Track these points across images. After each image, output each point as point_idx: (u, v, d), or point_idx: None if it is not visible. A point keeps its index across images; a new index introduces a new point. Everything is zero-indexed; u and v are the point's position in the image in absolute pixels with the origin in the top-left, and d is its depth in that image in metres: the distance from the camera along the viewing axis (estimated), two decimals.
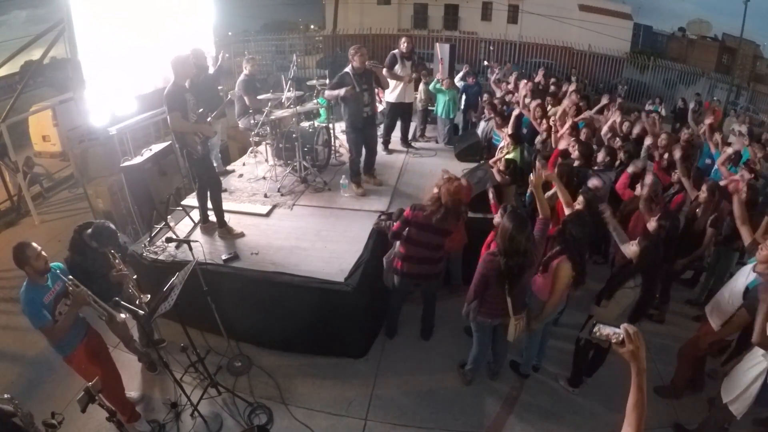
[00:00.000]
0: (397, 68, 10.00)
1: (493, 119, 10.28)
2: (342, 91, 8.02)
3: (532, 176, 5.64)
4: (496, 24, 32.00)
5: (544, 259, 5.55)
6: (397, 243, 6.28)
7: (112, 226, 5.72)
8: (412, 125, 11.69)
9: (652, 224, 5.94)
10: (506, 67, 18.56)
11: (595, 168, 8.01)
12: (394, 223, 6.18)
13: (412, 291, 6.77)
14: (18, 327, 7.04)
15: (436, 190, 5.90)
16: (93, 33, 8.26)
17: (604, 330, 2.74)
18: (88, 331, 5.44)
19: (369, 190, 8.84)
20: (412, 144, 11.36)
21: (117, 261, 5.75)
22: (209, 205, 7.42)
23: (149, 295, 5.77)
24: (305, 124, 9.82)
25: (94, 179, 9.95)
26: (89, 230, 5.64)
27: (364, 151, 8.80)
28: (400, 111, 10.61)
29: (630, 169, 7.68)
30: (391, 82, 9.96)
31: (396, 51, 10.11)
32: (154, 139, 11.35)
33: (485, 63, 19.68)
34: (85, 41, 8.14)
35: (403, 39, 10.17)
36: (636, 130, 9.85)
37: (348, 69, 8.21)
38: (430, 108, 12.58)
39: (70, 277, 5.03)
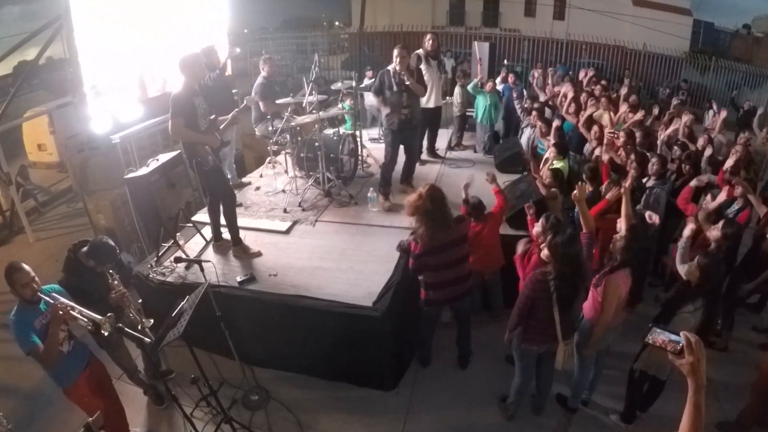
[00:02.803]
0: (423, 69, 9.85)
1: (537, 126, 10.19)
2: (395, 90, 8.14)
3: (575, 192, 5.67)
4: (541, 20, 31.53)
5: (596, 276, 5.51)
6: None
7: (111, 242, 5.70)
8: (448, 132, 11.76)
9: (714, 233, 5.90)
10: (550, 73, 18.44)
11: (647, 180, 7.96)
12: (410, 259, 6.19)
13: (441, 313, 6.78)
14: (11, 356, 6.94)
15: (411, 210, 5.89)
16: (94, 31, 8.26)
17: (660, 337, 2.69)
18: (90, 360, 5.41)
19: (400, 203, 8.65)
20: (448, 152, 11.38)
21: (115, 282, 5.70)
22: (222, 221, 7.44)
23: (152, 320, 5.78)
24: (329, 131, 9.89)
25: (94, 193, 10.03)
26: (85, 248, 5.62)
27: (404, 158, 8.93)
28: (428, 117, 10.53)
29: (693, 183, 7.55)
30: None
31: (420, 50, 10.04)
32: (161, 148, 11.32)
33: (505, 63, 19.53)
34: (84, 40, 8.13)
35: (428, 36, 10.12)
36: (700, 142, 9.61)
37: (390, 68, 8.32)
38: (468, 113, 12.51)
39: (55, 294, 5.01)
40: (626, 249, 5.34)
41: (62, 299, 4.94)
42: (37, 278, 4.90)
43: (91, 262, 5.60)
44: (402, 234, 7.67)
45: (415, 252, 5.92)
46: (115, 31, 8.63)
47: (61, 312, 4.80)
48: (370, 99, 8.54)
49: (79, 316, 4.87)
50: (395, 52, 8.23)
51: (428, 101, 10.26)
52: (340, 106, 11.01)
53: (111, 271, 5.73)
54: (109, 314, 4.75)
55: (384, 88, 8.38)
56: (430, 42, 9.98)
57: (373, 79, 9.79)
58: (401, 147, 8.85)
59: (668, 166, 8.25)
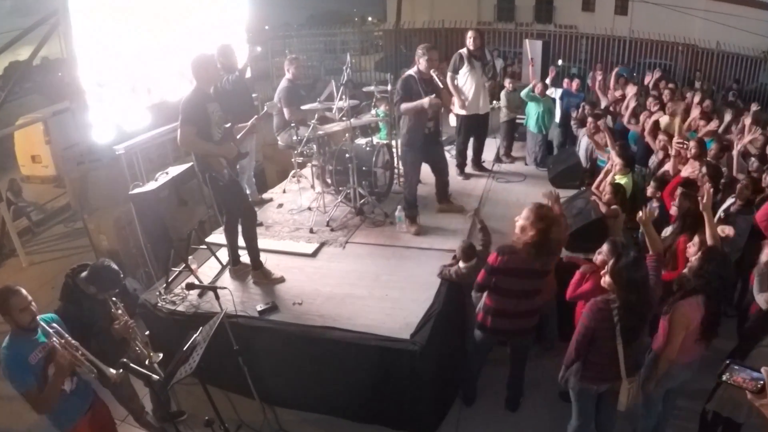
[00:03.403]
0: (464, 72, 10.02)
1: (597, 135, 10.14)
2: (425, 101, 7.99)
3: (641, 213, 5.65)
4: (601, 16, 30.91)
5: (666, 304, 5.44)
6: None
7: (114, 266, 5.73)
8: (495, 141, 11.75)
9: None
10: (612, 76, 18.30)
11: (732, 204, 7.82)
12: (456, 267, 6.23)
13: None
14: (2, 394, 6.78)
15: (522, 222, 5.71)
16: (95, 28, 8.20)
17: (739, 375, 2.70)
18: (93, 401, 5.39)
19: (442, 222, 8.81)
20: (495, 165, 11.37)
21: (119, 311, 5.63)
22: (240, 242, 7.46)
23: (161, 354, 5.72)
24: (361, 141, 9.85)
25: (96, 210, 10.09)
26: (85, 273, 5.64)
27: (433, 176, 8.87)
28: (474, 125, 10.54)
29: None
30: (462, 88, 10.03)
31: (462, 50, 10.07)
32: (171, 161, 11.37)
33: (559, 64, 19.38)
34: (84, 38, 8.08)
35: (470, 33, 10.13)
36: None
37: (413, 71, 8.24)
38: (518, 120, 12.42)
39: (55, 325, 4.96)
40: (699, 273, 5.26)
41: (67, 337, 4.94)
42: (34, 303, 4.82)
43: (91, 288, 5.61)
44: (444, 257, 7.64)
45: (493, 264, 5.83)
46: (120, 27, 8.59)
47: (67, 359, 4.78)
48: (403, 107, 8.45)
49: (86, 362, 4.87)
50: (419, 52, 8.22)
51: (473, 107, 10.26)
52: (373, 112, 11.06)
53: (114, 299, 5.68)
54: (120, 368, 4.79)
55: (411, 96, 8.22)
56: (473, 40, 9.96)
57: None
58: (426, 165, 8.83)
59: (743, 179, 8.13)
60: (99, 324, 5.54)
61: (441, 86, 8.28)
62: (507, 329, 6.23)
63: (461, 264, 6.84)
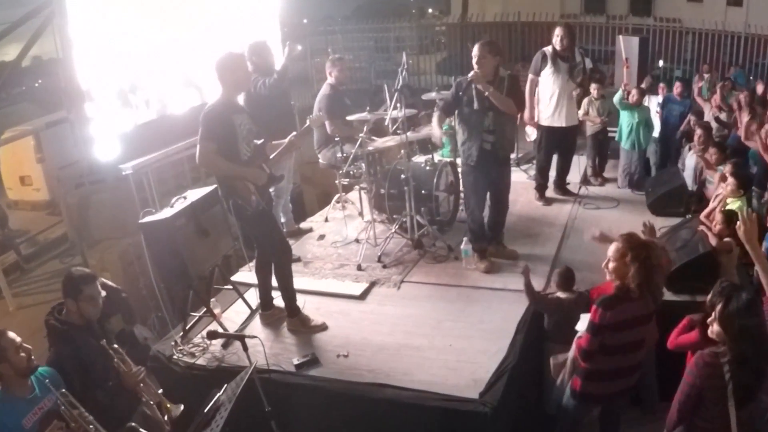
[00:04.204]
0: (547, 74, 9.98)
1: (705, 152, 10.01)
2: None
3: (740, 225, 5.36)
4: (711, 7, 29.77)
5: None
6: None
7: (89, 271, 5.76)
8: (582, 160, 11.70)
9: None
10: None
11: None
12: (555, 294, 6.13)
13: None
14: None
15: (614, 263, 5.64)
16: (96, 21, 8.24)
17: None
18: None
19: (507, 261, 8.72)
20: (582, 188, 11.23)
21: (122, 361, 5.56)
22: (273, 282, 7.45)
23: (181, 406, 5.73)
24: (420, 159, 9.87)
25: (98, 243, 10.18)
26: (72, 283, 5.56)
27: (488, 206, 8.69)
28: (557, 140, 10.48)
29: None
30: (544, 94, 10.02)
31: (547, 48, 10.04)
32: (190, 182, 11.42)
33: (660, 64, 19.04)
34: (84, 34, 8.11)
35: (558, 30, 10.02)
36: None
37: (471, 75, 8.07)
38: (611, 134, 12.26)
39: (63, 391, 4.88)
40: None
41: (69, 396, 4.88)
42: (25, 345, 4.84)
43: (73, 315, 5.49)
44: (519, 299, 7.48)
45: (598, 323, 5.65)
46: (127, 21, 8.64)
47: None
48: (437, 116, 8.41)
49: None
50: (474, 50, 8.10)
51: (557, 118, 10.20)
52: (434, 124, 10.90)
53: (116, 346, 5.64)
54: (130, 425, 4.86)
55: (459, 104, 8.25)
56: (560, 37, 9.87)
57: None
58: (486, 191, 8.62)
59: None
60: (101, 362, 5.48)
61: (485, 93, 8.01)
62: (610, 393, 6.10)
63: (561, 294, 6.89)
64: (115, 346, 5.63)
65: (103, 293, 5.66)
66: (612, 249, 5.65)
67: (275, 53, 9.51)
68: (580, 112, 11.77)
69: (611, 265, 5.63)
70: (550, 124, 10.24)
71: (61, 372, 5.17)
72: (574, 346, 6.08)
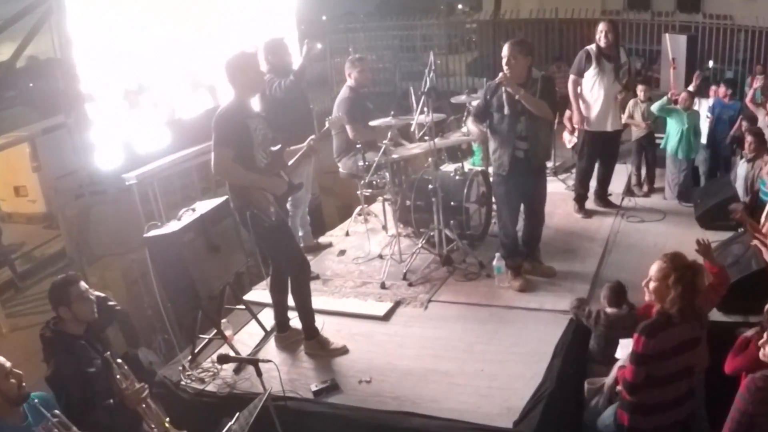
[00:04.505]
0: (590, 75, 9.92)
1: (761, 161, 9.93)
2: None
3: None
4: (765, 3, 28.55)
5: None
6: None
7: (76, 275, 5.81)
8: (626, 168, 11.69)
9: None
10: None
11: None
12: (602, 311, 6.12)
13: None
14: None
15: (655, 282, 5.60)
16: (97, 17, 8.18)
17: None
18: None
19: (556, 273, 8.70)
20: (626, 199, 11.18)
21: (120, 376, 5.49)
22: (290, 302, 7.42)
23: None
24: (448, 167, 9.88)
25: (99, 259, 10.19)
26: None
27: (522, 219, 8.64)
28: (600, 146, 10.42)
29: None
30: (588, 96, 9.95)
31: (591, 47, 9.99)
32: (199, 193, 11.38)
33: (710, 65, 18.84)
34: (84, 31, 8.04)
35: (601, 26, 9.95)
36: None
37: (500, 77, 7.93)
38: (657, 140, 12.26)
39: (56, 412, 4.83)
40: None
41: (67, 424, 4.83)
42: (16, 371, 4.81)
43: (70, 324, 5.55)
44: (556, 320, 7.56)
45: (641, 352, 5.58)
46: (131, 18, 8.60)
47: None
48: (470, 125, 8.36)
49: None
50: (504, 50, 7.95)
51: (600, 122, 10.11)
52: (464, 129, 10.56)
53: (119, 360, 5.58)
54: None
55: (490, 109, 8.18)
56: (604, 35, 9.79)
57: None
58: (519, 203, 8.57)
59: None
60: (103, 377, 5.44)
61: (516, 97, 7.88)
62: (659, 425, 5.96)
63: (609, 309, 6.84)
64: (119, 360, 5.58)
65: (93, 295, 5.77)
66: (654, 268, 5.61)
67: (293, 52, 9.50)
68: (624, 116, 11.69)
69: (652, 285, 5.62)
70: (593, 128, 10.16)
71: (60, 387, 5.20)
72: (613, 373, 6.10)
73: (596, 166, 10.72)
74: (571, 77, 10.06)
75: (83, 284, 5.70)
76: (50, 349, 5.56)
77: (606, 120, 10.13)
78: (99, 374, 5.47)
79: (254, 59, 6.82)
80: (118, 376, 5.43)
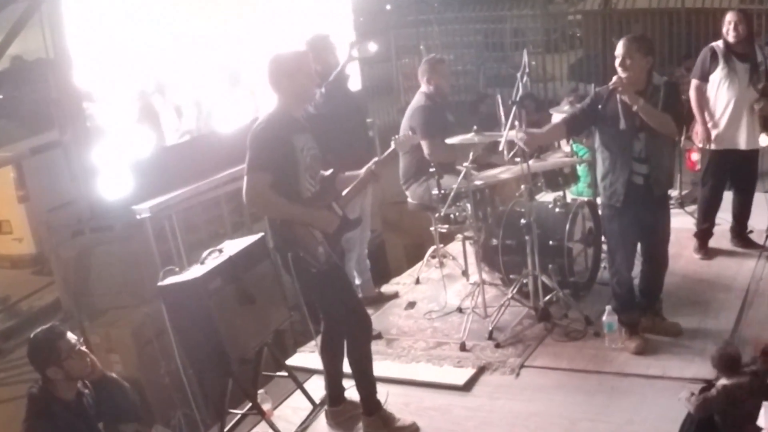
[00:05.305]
0: (717, 78, 9.73)
1: None
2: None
3: None
4: None
5: None
6: None
7: (63, 331, 5.68)
8: (766, 199, 11.33)
9: None
10: None
11: None
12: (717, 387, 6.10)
13: None
14: None
15: None
16: (98, 12, 8.22)
17: None
18: None
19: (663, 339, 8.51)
20: None
21: None
22: (346, 368, 7.35)
23: None
24: (547, 197, 9.95)
25: (103, 313, 10.04)
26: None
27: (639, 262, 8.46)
28: (732, 168, 10.21)
29: None
30: (714, 105, 9.74)
31: (716, 43, 9.85)
32: (229, 230, 11.17)
33: None
34: (83, 29, 8.08)
35: (729, 16, 9.76)
36: None
37: (614, 81, 7.72)
38: None
39: None
40: None
41: None
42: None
43: (61, 386, 5.49)
44: (675, 390, 7.27)
45: None
46: (141, 7, 8.64)
47: None
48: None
49: None
50: (618, 48, 7.76)
51: (730, 138, 9.91)
52: (567, 149, 10.58)
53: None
54: None
55: (599, 123, 8.02)
56: (733, 28, 9.59)
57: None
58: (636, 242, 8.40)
59: None
60: None
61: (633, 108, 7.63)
62: None
63: (725, 381, 6.58)
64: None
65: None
66: None
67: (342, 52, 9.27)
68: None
69: None
70: (720, 146, 9.97)
71: None
72: None
73: (732, 195, 10.53)
74: (693, 82, 9.92)
75: (71, 335, 5.62)
76: (29, 409, 5.55)
77: (738, 135, 9.89)
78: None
79: (305, 60, 6.62)
80: None
